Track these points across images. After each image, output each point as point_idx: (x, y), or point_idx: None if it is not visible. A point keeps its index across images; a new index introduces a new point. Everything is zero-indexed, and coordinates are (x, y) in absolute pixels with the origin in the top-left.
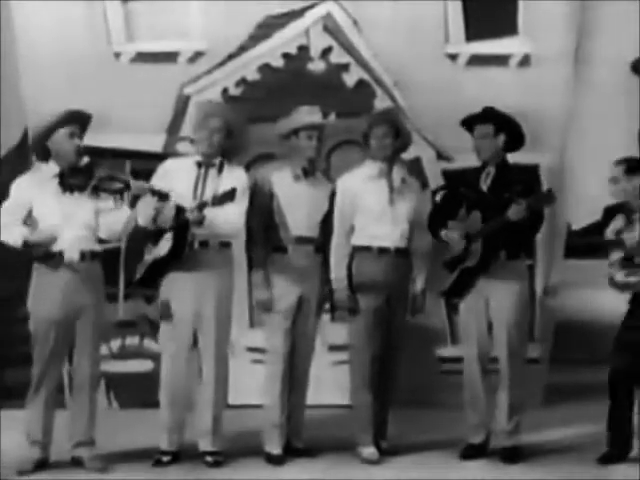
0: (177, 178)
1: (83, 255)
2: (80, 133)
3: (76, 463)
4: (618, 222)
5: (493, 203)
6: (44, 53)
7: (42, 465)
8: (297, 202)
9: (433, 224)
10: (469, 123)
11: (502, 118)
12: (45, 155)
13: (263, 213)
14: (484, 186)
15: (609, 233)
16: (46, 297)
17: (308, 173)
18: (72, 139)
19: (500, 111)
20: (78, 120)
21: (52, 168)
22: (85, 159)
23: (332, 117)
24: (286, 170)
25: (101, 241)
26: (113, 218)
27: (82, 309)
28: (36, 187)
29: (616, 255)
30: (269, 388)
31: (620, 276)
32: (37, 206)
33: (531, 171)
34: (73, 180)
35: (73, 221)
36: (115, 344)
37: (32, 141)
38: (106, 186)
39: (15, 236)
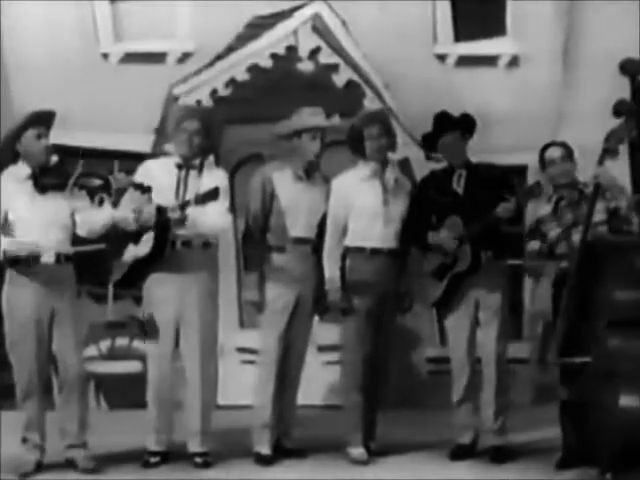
0: (158, 179)
1: (58, 258)
2: (46, 132)
3: (69, 464)
4: (543, 210)
5: (473, 204)
6: (32, 54)
7: (39, 467)
8: (298, 203)
9: (411, 233)
10: (433, 136)
11: (467, 122)
12: (13, 157)
13: (263, 213)
14: (458, 189)
15: (529, 220)
16: (20, 299)
17: (309, 174)
18: (39, 140)
19: (461, 115)
20: (44, 120)
21: (23, 170)
22: (54, 158)
23: (336, 118)
24: (287, 171)
25: (82, 241)
26: (92, 217)
27: (56, 311)
28: (10, 190)
29: (534, 245)
30: (261, 388)
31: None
32: (13, 209)
33: (499, 167)
34: (47, 180)
35: (49, 223)
36: (104, 345)
37: (1, 144)
38: (85, 183)
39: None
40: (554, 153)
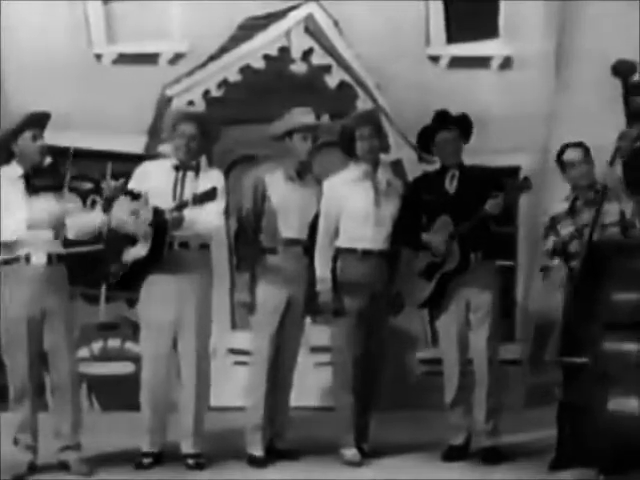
0: (155, 180)
1: (50, 258)
2: (40, 134)
3: (63, 467)
4: (559, 207)
5: (464, 204)
6: (26, 55)
7: (32, 468)
8: (289, 204)
9: (402, 233)
10: (431, 131)
11: (465, 123)
12: (7, 158)
13: (255, 214)
14: (450, 189)
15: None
16: (12, 300)
17: (301, 175)
18: (35, 141)
19: (460, 114)
20: (40, 121)
21: (15, 170)
22: (48, 159)
23: (326, 118)
24: (279, 172)
25: (76, 243)
26: (83, 219)
27: (48, 312)
28: (3, 190)
29: (549, 242)
30: (253, 390)
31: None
32: (4, 209)
33: (492, 169)
34: (39, 181)
35: (40, 223)
36: (96, 346)
37: None
38: (76, 186)
39: None
40: (573, 155)
